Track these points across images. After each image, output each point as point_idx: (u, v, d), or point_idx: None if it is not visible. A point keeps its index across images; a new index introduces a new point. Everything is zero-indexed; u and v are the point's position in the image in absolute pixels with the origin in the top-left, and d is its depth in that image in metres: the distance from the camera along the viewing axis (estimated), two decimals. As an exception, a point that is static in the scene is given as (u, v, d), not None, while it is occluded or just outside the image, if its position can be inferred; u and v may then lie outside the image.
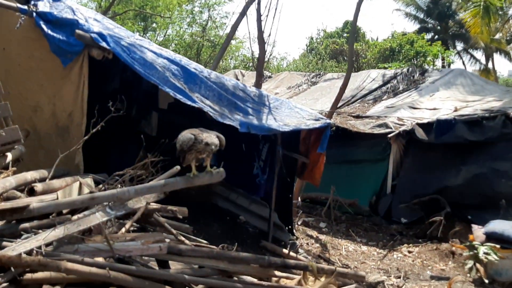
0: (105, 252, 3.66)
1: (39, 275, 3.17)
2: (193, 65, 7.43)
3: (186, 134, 4.14)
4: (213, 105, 7.01)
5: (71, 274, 3.25)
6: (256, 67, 11.25)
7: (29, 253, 3.15)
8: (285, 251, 8.43)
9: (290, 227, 9.53)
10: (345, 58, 24.20)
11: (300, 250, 9.20)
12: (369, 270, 9.31)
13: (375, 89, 14.66)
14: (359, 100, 14.29)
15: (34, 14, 5.83)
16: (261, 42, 10.37)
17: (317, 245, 10.32)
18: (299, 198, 12.03)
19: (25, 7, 5.82)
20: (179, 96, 6.45)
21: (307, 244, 10.20)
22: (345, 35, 25.98)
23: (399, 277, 8.64)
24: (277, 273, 4.57)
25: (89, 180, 4.78)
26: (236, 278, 4.46)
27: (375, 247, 10.58)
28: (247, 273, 4.34)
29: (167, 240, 4.98)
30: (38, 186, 4.04)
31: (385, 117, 12.41)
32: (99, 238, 3.71)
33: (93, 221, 3.58)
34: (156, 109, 10.26)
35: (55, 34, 5.79)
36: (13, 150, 5.31)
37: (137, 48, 6.31)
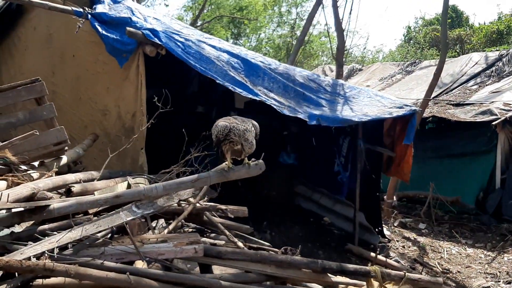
0: (134, 255, 3.35)
1: (51, 280, 2.93)
2: (259, 58, 7.05)
3: (221, 123, 3.72)
4: (278, 97, 6.54)
5: (86, 280, 2.96)
6: (335, 58, 10.59)
7: (39, 257, 2.91)
8: (373, 254, 7.69)
9: (379, 228, 8.72)
10: (447, 45, 22.33)
11: (392, 254, 8.36)
12: (474, 275, 8.22)
13: (478, 74, 13.18)
14: (460, 86, 12.93)
15: (89, 16, 5.80)
16: (339, 30, 9.70)
17: (414, 248, 9.36)
18: (394, 197, 11.09)
19: (80, 9, 5.81)
20: (238, 90, 6.08)
21: (403, 247, 9.29)
22: (446, 20, 24.01)
23: (509, 283, 7.49)
24: (337, 278, 3.97)
25: (142, 180, 4.54)
26: (290, 285, 3.95)
27: (483, 249, 9.37)
28: (300, 279, 3.81)
29: (215, 240, 4.64)
30: (76, 187, 3.86)
31: (490, 103, 11.03)
32: (129, 240, 3.42)
33: (116, 221, 3.29)
34: (234, 109, 10.01)
35: (109, 34, 5.72)
36: (70, 152, 5.29)
37: (193, 43, 6.05)
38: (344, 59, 11.65)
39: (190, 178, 3.55)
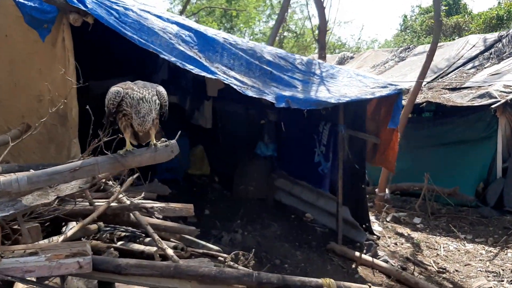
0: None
1: None
2: (221, 35, 6.01)
3: (113, 88, 2.72)
4: (240, 76, 5.51)
5: None
6: (317, 39, 9.54)
7: None
8: (358, 254, 6.67)
9: (367, 224, 7.68)
10: (445, 33, 21.21)
11: (381, 253, 7.32)
12: (474, 274, 7.19)
13: (476, 56, 12.05)
14: (456, 70, 11.83)
15: (5, -17, 4.80)
16: (320, 7, 8.64)
17: (408, 245, 8.32)
18: (386, 190, 10.02)
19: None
20: (189, 67, 5.05)
21: (395, 244, 8.25)
22: (443, 8, 22.87)
23: (514, 282, 6.48)
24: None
25: None
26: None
27: (484, 244, 8.31)
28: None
29: (147, 246, 3.62)
30: None
31: (488, 85, 9.95)
32: (-16, 253, 2.43)
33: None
34: (207, 97, 9.01)
35: (26, 2, 4.71)
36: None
37: (133, 12, 5.03)
38: (329, 38, 10.58)
39: (68, 166, 2.53)
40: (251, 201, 8.29)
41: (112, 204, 3.51)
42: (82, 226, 3.19)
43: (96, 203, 3.55)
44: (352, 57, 15.77)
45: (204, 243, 4.30)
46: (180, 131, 3.00)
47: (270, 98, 5.52)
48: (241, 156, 8.66)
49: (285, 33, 21.85)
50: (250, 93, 5.41)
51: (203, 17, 22.84)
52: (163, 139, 2.82)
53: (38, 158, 5.38)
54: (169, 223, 4.13)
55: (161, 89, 2.86)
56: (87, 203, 3.57)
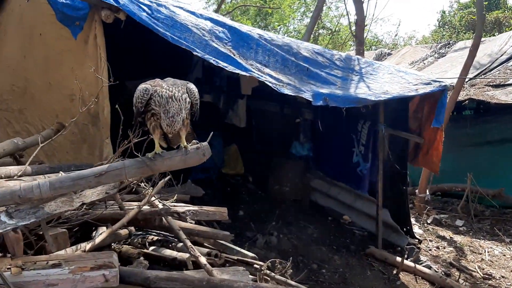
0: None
1: None
2: (255, 31, 5.75)
3: (141, 85, 2.49)
4: (275, 73, 5.23)
5: None
6: (354, 34, 9.15)
7: None
8: (400, 259, 6.29)
9: (408, 227, 7.27)
10: (485, 28, 20.29)
11: (423, 258, 6.91)
12: (521, 282, 6.71)
13: (521, 51, 11.41)
14: (500, 66, 11.20)
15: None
16: (358, 1, 8.25)
17: (450, 249, 7.86)
18: (427, 190, 9.53)
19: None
20: (222, 64, 4.81)
21: (437, 248, 7.81)
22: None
23: None
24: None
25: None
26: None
27: (532, 249, 7.77)
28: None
29: (178, 253, 3.39)
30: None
31: (536, 81, 9.34)
32: (3, 263, 2.24)
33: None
34: (241, 96, 8.76)
35: (58, -1, 4.57)
36: (1, 145, 4.18)
37: (166, 8, 4.82)
38: (365, 35, 10.16)
39: (93, 170, 2.31)
40: (286, 202, 8.00)
41: (144, 208, 3.28)
42: (112, 232, 2.98)
43: (127, 207, 3.33)
44: (389, 54, 15.23)
45: (238, 249, 4.03)
46: (212, 132, 2.74)
47: (307, 96, 5.22)
48: (276, 155, 8.38)
49: (320, 30, 21.41)
50: (285, 90, 5.13)
51: (238, 16, 22.64)
52: (194, 141, 2.57)
53: (71, 158, 5.25)
54: (202, 228, 3.89)
55: (192, 86, 2.61)
56: (117, 207, 3.36)
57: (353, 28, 9.73)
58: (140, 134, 3.08)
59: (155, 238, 3.92)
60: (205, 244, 4.12)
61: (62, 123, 5.30)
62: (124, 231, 3.37)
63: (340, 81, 5.81)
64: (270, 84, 5.04)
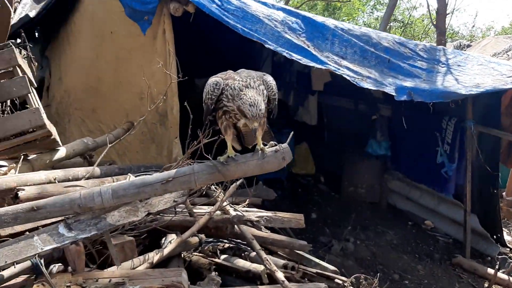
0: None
1: None
2: (330, 21, 5.31)
3: (211, 79, 2.16)
4: (353, 66, 4.78)
5: None
6: (435, 24, 8.42)
7: None
8: (492, 271, 5.61)
9: (498, 235, 6.53)
10: None
11: (517, 270, 6.14)
12: None
13: None
14: None
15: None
16: (440, -12, 7.55)
17: (549, 259, 6.97)
18: (517, 194, 8.62)
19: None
20: (296, 57, 4.43)
21: (532, 258, 6.95)
22: None
23: None
24: None
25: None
26: None
27: None
28: None
29: (252, 264, 3.05)
30: (27, 190, 2.51)
31: None
32: (66, 278, 1.99)
33: (25, 253, 1.87)
34: (312, 92, 8.33)
35: (126, -7, 4.39)
36: (74, 144, 4.04)
37: (236, -1, 4.51)
38: (446, 26, 9.36)
39: (159, 176, 2.01)
40: (362, 205, 7.48)
41: (215, 214, 2.97)
42: (181, 242, 2.69)
43: (197, 212, 3.04)
44: (469, 45, 14.14)
45: (317, 260, 3.63)
46: (292, 132, 2.37)
47: (389, 90, 4.73)
48: (350, 155, 7.86)
49: (391, 23, 20.40)
50: (365, 84, 4.68)
51: (306, 11, 22.12)
52: (272, 142, 2.21)
53: (141, 158, 5.09)
54: (277, 237, 3.54)
55: (269, 78, 2.25)
56: (187, 212, 3.07)
57: (434, 16, 8.96)
58: (210, 135, 2.78)
59: (227, 245, 3.62)
60: (279, 252, 3.76)
61: (131, 122, 5.17)
62: (194, 239, 3.08)
63: (425, 74, 5.25)
64: (348, 78, 4.61)
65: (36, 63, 8.81)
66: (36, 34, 8.56)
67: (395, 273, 5.64)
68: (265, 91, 2.14)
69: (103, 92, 6.20)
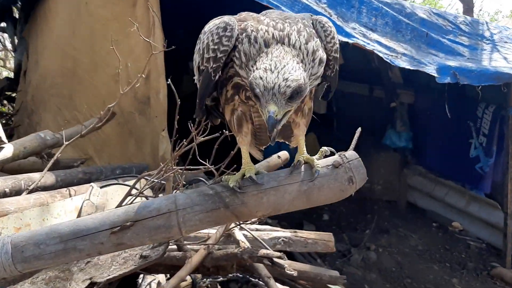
0: None
1: None
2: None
3: (213, 21, 1.15)
4: (385, 40, 3.78)
5: None
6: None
7: None
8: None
9: (541, 240, 5.56)
10: None
11: None
12: None
13: None
14: None
15: None
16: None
17: None
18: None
19: None
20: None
21: None
22: None
23: None
24: None
25: (116, 189, 2.09)
26: None
27: None
28: None
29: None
30: None
31: None
32: None
33: None
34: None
35: None
36: (26, 140, 3.02)
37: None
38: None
39: (105, 219, 0.99)
40: (379, 203, 6.52)
41: (214, 247, 1.97)
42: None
43: (188, 247, 2.04)
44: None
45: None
46: (359, 129, 1.37)
47: (429, 70, 3.76)
48: (364, 147, 6.81)
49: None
50: (401, 63, 3.69)
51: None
52: (324, 148, 1.22)
53: (119, 155, 4.10)
54: (299, 266, 2.54)
55: (324, 20, 1.25)
56: (173, 244, 2.07)
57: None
58: (208, 131, 1.77)
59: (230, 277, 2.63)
60: (300, 282, 2.77)
61: (109, 109, 4.15)
62: (184, 283, 2.08)
63: (468, 51, 4.26)
64: (381, 55, 3.62)
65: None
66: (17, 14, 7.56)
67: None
68: (317, 50, 1.15)
69: (79, 75, 5.20)
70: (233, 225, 2.41)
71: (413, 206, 6.56)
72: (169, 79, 1.87)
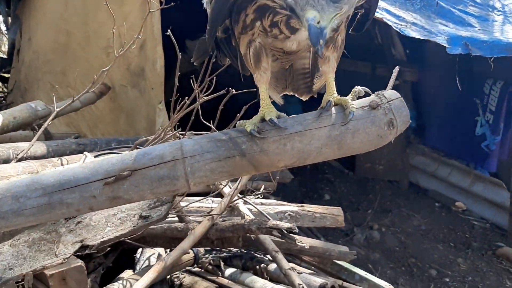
0: None
1: None
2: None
3: None
4: (394, 9, 3.59)
5: None
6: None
7: None
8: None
9: (546, 220, 5.45)
10: None
11: None
12: None
13: None
14: None
15: None
16: None
17: None
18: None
19: None
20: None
21: None
22: None
23: None
24: None
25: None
26: None
27: None
28: None
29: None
30: None
31: None
32: None
33: None
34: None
35: None
36: (16, 110, 2.84)
37: None
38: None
39: (98, 166, 0.82)
40: (380, 184, 6.37)
41: (219, 217, 1.81)
42: (163, 269, 1.52)
43: (190, 215, 1.87)
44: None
45: (362, 273, 2.51)
46: (397, 68, 1.20)
47: (440, 40, 3.57)
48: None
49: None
50: (411, 33, 3.51)
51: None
52: (357, 88, 1.04)
53: (112, 131, 3.92)
54: (308, 241, 2.38)
55: None
56: (174, 216, 1.90)
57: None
58: (212, 87, 1.59)
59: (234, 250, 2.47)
60: (305, 259, 2.62)
61: (106, 84, 3.97)
62: (186, 256, 1.92)
63: (479, 22, 4.06)
64: (390, 24, 3.42)
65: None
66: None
67: (431, 268, 4.57)
68: None
69: (72, 50, 5.02)
70: (236, 198, 2.25)
71: (415, 186, 6.41)
72: (168, 30, 1.68)
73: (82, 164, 0.94)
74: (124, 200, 0.91)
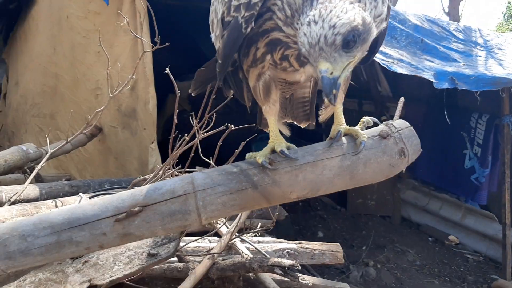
0: None
1: None
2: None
3: None
4: (381, 46, 3.66)
5: None
6: (447, 11, 7.44)
7: None
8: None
9: (540, 251, 5.44)
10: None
11: None
12: None
13: None
14: None
15: None
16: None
17: None
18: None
19: None
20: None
21: None
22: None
23: None
24: None
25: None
26: None
27: None
28: None
29: None
30: None
31: None
32: None
33: None
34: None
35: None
36: (7, 152, 2.80)
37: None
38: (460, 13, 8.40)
39: (108, 202, 0.80)
40: (373, 220, 6.35)
41: (218, 256, 1.77)
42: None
43: (190, 254, 1.83)
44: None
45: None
46: (402, 98, 1.21)
47: (427, 75, 3.65)
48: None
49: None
50: (398, 69, 3.58)
51: None
52: (365, 118, 1.04)
53: (102, 174, 3.86)
54: (310, 279, 2.34)
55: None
56: (174, 258, 1.85)
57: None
58: (212, 123, 1.59)
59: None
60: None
61: (97, 126, 3.96)
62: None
63: (463, 58, 4.19)
64: (378, 60, 3.49)
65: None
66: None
67: (432, 305, 4.50)
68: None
69: (61, 93, 5.03)
70: (234, 236, 2.22)
71: (408, 221, 6.41)
72: (167, 69, 1.69)
73: (90, 201, 0.92)
74: (135, 236, 0.88)
